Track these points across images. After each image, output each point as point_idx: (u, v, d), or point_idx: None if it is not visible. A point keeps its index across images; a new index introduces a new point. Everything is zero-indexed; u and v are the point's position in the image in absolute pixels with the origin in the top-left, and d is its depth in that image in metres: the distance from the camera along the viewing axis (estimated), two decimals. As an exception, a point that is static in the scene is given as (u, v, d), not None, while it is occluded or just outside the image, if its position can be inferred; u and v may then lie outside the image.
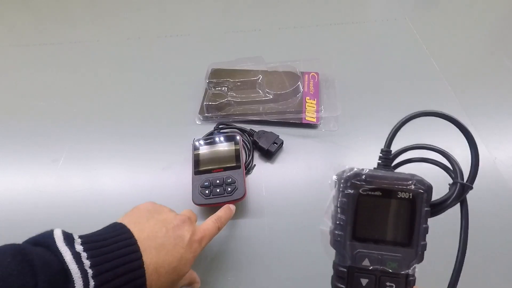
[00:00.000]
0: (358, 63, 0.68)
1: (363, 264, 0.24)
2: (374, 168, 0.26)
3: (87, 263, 0.27)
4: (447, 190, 0.26)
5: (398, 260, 0.23)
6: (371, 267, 0.24)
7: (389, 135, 0.26)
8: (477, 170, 0.25)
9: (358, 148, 0.54)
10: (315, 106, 0.58)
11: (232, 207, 0.42)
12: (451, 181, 0.26)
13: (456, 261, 0.25)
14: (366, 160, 0.51)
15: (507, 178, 0.49)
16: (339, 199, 0.24)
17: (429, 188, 0.24)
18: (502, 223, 0.45)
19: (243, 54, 0.64)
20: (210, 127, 0.56)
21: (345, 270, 0.24)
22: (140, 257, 0.29)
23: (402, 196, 0.23)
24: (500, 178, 0.49)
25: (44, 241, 0.27)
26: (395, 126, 0.26)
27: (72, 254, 0.26)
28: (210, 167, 0.48)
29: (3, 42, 0.79)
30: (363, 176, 0.24)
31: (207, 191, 0.45)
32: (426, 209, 0.23)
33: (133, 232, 0.31)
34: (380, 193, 0.24)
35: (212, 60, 0.64)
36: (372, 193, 0.24)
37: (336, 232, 0.24)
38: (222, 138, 0.51)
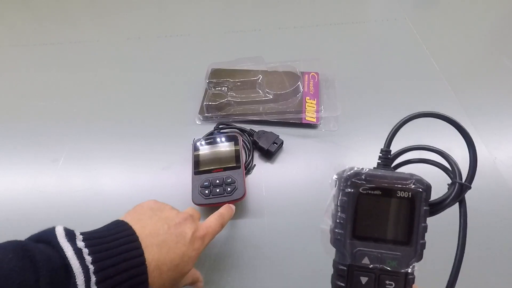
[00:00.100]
0: (358, 63, 0.68)
1: (363, 263, 0.24)
2: (374, 168, 0.27)
3: (88, 259, 0.27)
4: (446, 190, 0.26)
5: (397, 258, 0.24)
6: (371, 266, 0.24)
7: (388, 135, 0.27)
8: (475, 170, 0.25)
9: (358, 148, 0.54)
10: (315, 106, 0.58)
11: (232, 206, 0.42)
12: (450, 181, 0.26)
13: (455, 260, 0.25)
14: (366, 160, 0.51)
15: (507, 178, 0.49)
16: (339, 198, 0.25)
17: (428, 188, 0.24)
18: (502, 223, 0.45)
19: (243, 54, 0.64)
20: (210, 127, 0.56)
21: (345, 268, 0.24)
22: (142, 254, 0.29)
23: (402, 195, 0.24)
24: (500, 178, 0.49)
25: (46, 237, 0.27)
26: (394, 126, 0.26)
27: (73, 250, 0.26)
28: (210, 167, 0.48)
29: (3, 42, 0.79)
30: (363, 175, 0.24)
31: (207, 191, 0.45)
32: (425, 208, 0.24)
33: (135, 229, 0.31)
34: (380, 192, 0.24)
35: (212, 60, 0.64)
36: (372, 192, 0.24)
37: (336, 230, 0.25)
38: (222, 138, 0.51)
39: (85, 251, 0.27)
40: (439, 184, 0.26)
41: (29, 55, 0.75)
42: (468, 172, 0.25)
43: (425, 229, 0.24)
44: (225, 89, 0.60)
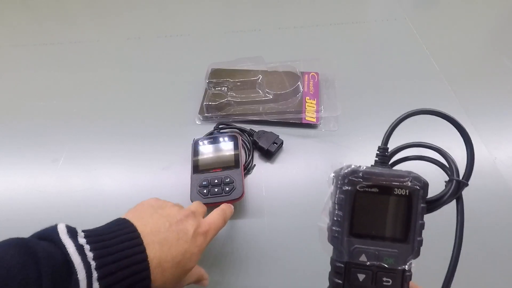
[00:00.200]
0: (358, 63, 0.68)
1: (360, 260, 0.24)
2: (371, 165, 0.27)
3: (90, 255, 0.27)
4: (444, 188, 0.26)
5: (394, 255, 0.24)
6: (368, 263, 0.24)
7: (386, 132, 0.27)
8: (473, 167, 0.25)
9: (358, 148, 0.54)
10: (315, 106, 0.58)
11: (231, 205, 0.42)
12: (447, 178, 0.26)
13: (451, 257, 0.25)
14: (366, 160, 0.50)
15: (507, 178, 0.49)
16: (337, 196, 0.25)
17: (425, 185, 0.24)
18: (502, 223, 0.45)
19: (243, 54, 0.64)
20: (210, 127, 0.56)
21: (342, 265, 0.24)
22: (143, 251, 0.29)
23: (399, 193, 0.24)
24: (500, 178, 0.49)
25: (48, 235, 0.27)
26: (391, 124, 0.26)
27: (75, 246, 0.26)
28: (209, 167, 0.48)
29: (3, 42, 0.79)
30: (360, 173, 0.24)
31: (205, 191, 0.45)
32: (422, 205, 0.24)
33: (136, 227, 0.31)
34: (377, 190, 0.24)
35: (212, 60, 0.64)
36: (369, 189, 0.24)
37: (334, 228, 0.25)
38: (221, 138, 0.51)
39: (87, 247, 0.27)
40: (437, 182, 0.26)
41: (29, 55, 0.75)
42: (466, 169, 0.26)
43: (422, 226, 0.24)
44: (225, 89, 0.60)
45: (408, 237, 0.24)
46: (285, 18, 0.81)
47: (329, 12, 0.82)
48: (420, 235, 0.24)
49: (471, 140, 0.25)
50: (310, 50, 0.72)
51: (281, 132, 0.54)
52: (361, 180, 0.24)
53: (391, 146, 0.27)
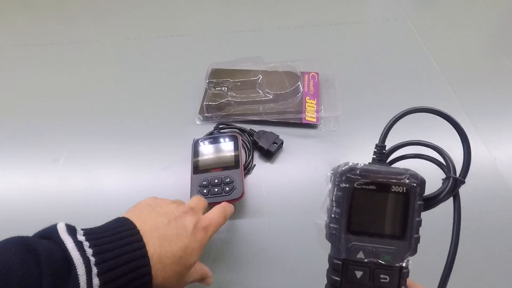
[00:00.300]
0: (358, 63, 0.68)
1: (358, 257, 0.24)
2: (369, 163, 0.27)
3: (89, 251, 0.27)
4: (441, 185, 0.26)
5: (392, 252, 0.24)
6: (366, 260, 0.24)
7: (383, 130, 0.27)
8: (469, 164, 0.25)
9: (358, 148, 0.54)
10: (315, 106, 0.58)
11: (231, 204, 0.42)
12: (444, 176, 0.26)
13: (448, 255, 0.25)
14: (366, 160, 0.50)
15: (507, 178, 0.49)
16: (334, 193, 0.25)
17: (422, 182, 0.24)
18: (502, 223, 0.45)
19: (243, 54, 0.64)
20: (210, 127, 0.56)
21: (340, 262, 0.24)
22: (143, 246, 0.29)
23: (396, 190, 0.24)
24: (500, 178, 0.49)
25: (48, 233, 0.28)
26: (388, 122, 0.27)
27: (74, 243, 0.27)
28: (209, 167, 0.48)
29: (3, 42, 0.79)
30: (358, 170, 0.24)
31: (205, 190, 0.45)
32: (419, 202, 0.24)
33: (135, 224, 0.31)
34: (374, 187, 0.24)
35: (212, 60, 0.64)
36: (367, 187, 0.24)
37: (331, 225, 0.25)
38: (221, 138, 0.51)
39: (86, 244, 0.27)
40: (434, 179, 0.27)
41: (29, 55, 0.75)
42: (462, 166, 0.26)
43: (419, 223, 0.24)
44: (225, 89, 0.60)
45: (405, 234, 0.24)
46: (285, 18, 0.81)
47: (329, 12, 0.82)
48: (417, 232, 0.24)
49: (467, 138, 0.25)
50: (310, 50, 0.72)
51: (281, 132, 0.54)
52: (358, 177, 0.24)
53: (390, 144, 0.27)
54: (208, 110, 0.58)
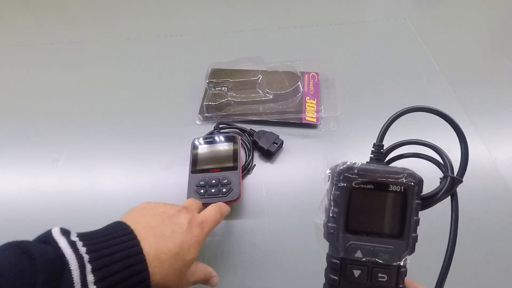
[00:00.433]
0: (358, 63, 0.68)
1: (356, 256, 0.24)
2: (367, 162, 0.27)
3: (82, 249, 0.27)
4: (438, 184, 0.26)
5: (390, 252, 0.24)
6: (364, 259, 0.24)
7: (381, 129, 0.27)
8: (467, 163, 0.25)
9: (358, 148, 0.54)
10: (315, 106, 0.58)
11: (227, 205, 0.42)
12: (442, 175, 0.26)
13: (446, 254, 0.25)
14: (366, 160, 0.51)
15: (507, 178, 0.49)
16: (332, 192, 0.25)
17: (420, 181, 0.24)
18: (502, 223, 0.45)
19: (243, 54, 0.64)
20: (210, 127, 0.56)
21: (338, 262, 0.24)
22: (138, 244, 0.29)
23: (394, 189, 0.24)
24: (500, 178, 0.49)
25: (43, 237, 0.28)
26: (386, 122, 0.27)
27: (67, 241, 0.27)
28: (207, 167, 0.48)
29: (3, 42, 0.79)
30: (356, 170, 0.24)
31: (202, 191, 0.45)
32: (417, 201, 0.24)
33: (129, 225, 0.31)
34: (372, 186, 0.24)
35: (212, 60, 0.64)
36: (365, 186, 0.24)
37: (329, 224, 0.25)
38: (221, 138, 0.51)
39: (79, 243, 0.28)
40: (432, 179, 0.27)
41: (29, 55, 0.75)
42: (460, 166, 0.26)
43: (417, 222, 0.24)
44: (225, 89, 0.60)
45: (403, 233, 0.24)
46: (285, 18, 0.81)
47: (329, 12, 0.82)
48: (415, 231, 0.24)
49: (465, 136, 0.25)
50: (310, 50, 0.72)
51: (281, 132, 0.54)
52: (356, 176, 0.24)
53: (388, 144, 0.28)
54: (208, 110, 0.58)
